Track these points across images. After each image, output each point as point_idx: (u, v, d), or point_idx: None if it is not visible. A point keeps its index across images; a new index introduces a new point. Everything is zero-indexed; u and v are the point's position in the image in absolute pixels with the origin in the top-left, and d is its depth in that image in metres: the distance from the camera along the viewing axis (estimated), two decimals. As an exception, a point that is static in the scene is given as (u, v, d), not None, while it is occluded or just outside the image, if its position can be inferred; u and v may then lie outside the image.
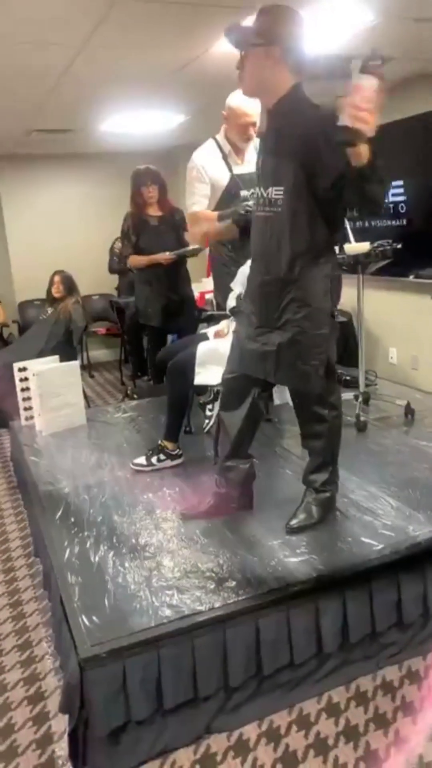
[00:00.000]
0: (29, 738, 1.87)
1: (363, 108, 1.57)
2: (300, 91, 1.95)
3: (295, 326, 2.03)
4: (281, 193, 1.95)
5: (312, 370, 2.08)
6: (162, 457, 2.85)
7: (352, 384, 3.85)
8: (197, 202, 2.90)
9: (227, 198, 2.86)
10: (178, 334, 4.31)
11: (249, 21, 1.99)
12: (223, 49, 2.93)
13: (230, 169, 2.89)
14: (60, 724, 1.89)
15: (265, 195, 2.00)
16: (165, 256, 3.90)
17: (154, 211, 4.06)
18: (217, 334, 2.95)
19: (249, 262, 2.85)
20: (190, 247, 3.98)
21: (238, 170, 2.90)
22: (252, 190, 2.06)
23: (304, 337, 2.03)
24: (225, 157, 2.89)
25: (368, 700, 1.94)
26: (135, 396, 4.35)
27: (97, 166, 6.31)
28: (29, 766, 1.77)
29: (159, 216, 4.06)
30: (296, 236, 1.96)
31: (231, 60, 2.40)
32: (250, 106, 2.68)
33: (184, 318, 4.15)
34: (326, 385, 2.16)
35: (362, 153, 1.66)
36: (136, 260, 4.07)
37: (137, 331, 5.03)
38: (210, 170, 2.86)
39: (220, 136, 2.93)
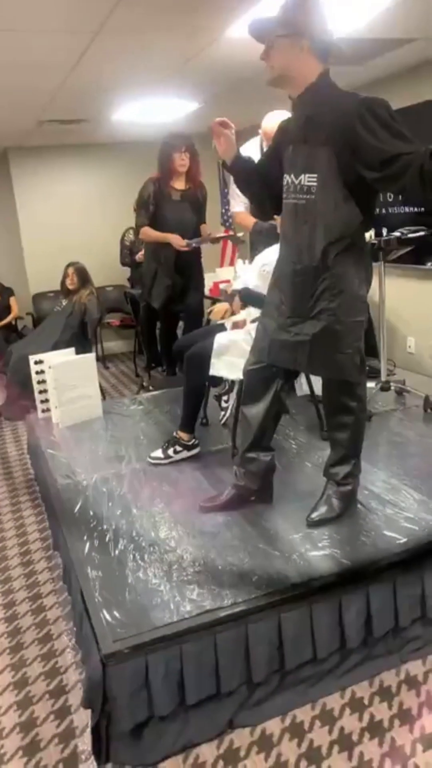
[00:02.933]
0: (51, 732, 1.87)
1: None
2: (328, 78, 1.94)
3: (331, 315, 2.00)
4: (315, 180, 1.92)
5: (347, 358, 2.06)
6: (178, 448, 2.83)
7: (372, 374, 3.79)
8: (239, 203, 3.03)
9: None
10: (183, 317, 4.20)
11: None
12: (236, 36, 2.88)
13: None
14: (82, 718, 1.89)
15: (296, 182, 1.98)
16: (180, 242, 3.69)
17: (179, 184, 3.79)
18: (235, 325, 2.91)
19: (267, 251, 2.84)
20: (205, 237, 3.89)
21: None
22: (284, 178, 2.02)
23: (339, 325, 2.00)
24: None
25: (392, 696, 1.92)
26: (150, 388, 4.32)
27: (109, 156, 6.26)
28: (52, 761, 1.77)
29: (183, 190, 3.80)
30: (330, 223, 1.93)
31: (244, 46, 2.36)
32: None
33: (190, 301, 3.99)
34: (358, 376, 2.13)
35: None
36: (148, 233, 3.81)
37: (151, 321, 4.94)
38: None
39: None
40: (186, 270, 3.96)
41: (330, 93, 1.93)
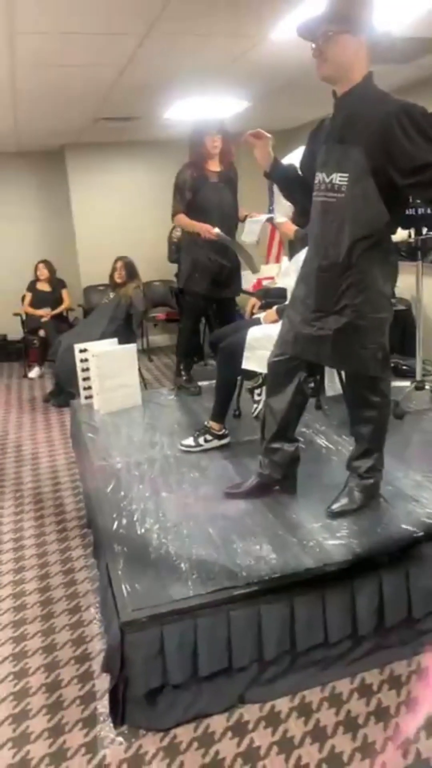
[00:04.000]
0: (74, 694, 1.99)
1: None
2: (371, 79, 1.97)
3: (354, 311, 2.04)
4: (346, 179, 1.97)
5: (370, 354, 2.10)
6: (208, 437, 2.92)
7: (409, 374, 3.80)
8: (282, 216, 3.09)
9: None
10: (217, 306, 4.09)
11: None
12: (285, 35, 2.94)
13: None
14: (103, 684, 2.00)
15: (327, 180, 2.02)
16: (210, 232, 3.63)
17: (214, 166, 3.79)
18: (268, 317, 2.97)
19: (304, 251, 2.89)
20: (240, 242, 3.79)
21: None
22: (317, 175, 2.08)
23: (363, 321, 2.05)
24: None
25: (402, 685, 1.96)
26: (192, 388, 3.99)
27: (160, 154, 6.40)
28: (73, 719, 1.89)
29: (218, 171, 3.81)
30: (358, 222, 1.98)
31: (293, 45, 2.41)
32: None
33: (231, 288, 3.92)
34: (380, 371, 2.17)
35: None
36: (183, 220, 3.79)
37: (197, 315, 4.47)
38: None
39: None
40: (226, 254, 3.87)
41: (372, 94, 1.96)
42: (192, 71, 3.63)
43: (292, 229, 3.49)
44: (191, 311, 4.15)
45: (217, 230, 3.64)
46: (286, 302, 2.82)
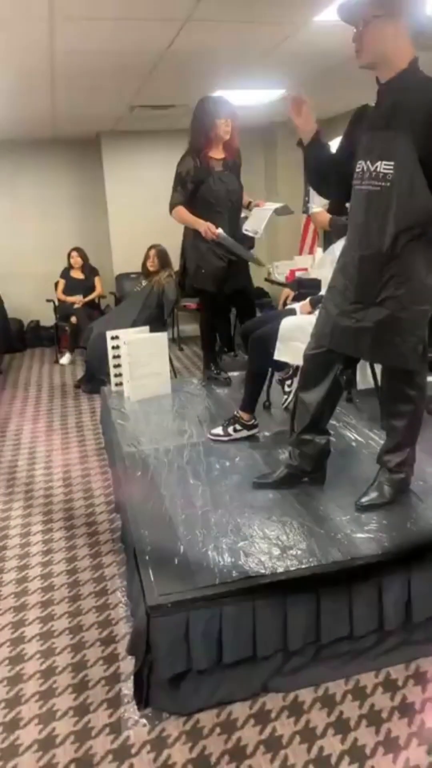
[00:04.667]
0: (99, 675, 2.02)
1: None
2: (417, 65, 1.93)
3: (396, 302, 2.01)
4: (391, 167, 1.93)
5: (410, 347, 2.06)
6: (238, 427, 2.92)
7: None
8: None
9: None
10: (230, 299, 3.88)
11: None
12: (323, 22, 2.90)
13: None
14: (128, 666, 2.03)
15: (371, 169, 1.98)
16: (212, 231, 3.42)
17: (217, 153, 3.54)
18: (303, 308, 2.95)
19: (340, 241, 2.85)
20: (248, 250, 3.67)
21: None
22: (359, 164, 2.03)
23: (404, 313, 2.01)
24: None
25: (427, 681, 1.94)
26: (223, 379, 3.89)
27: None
28: (97, 700, 1.92)
29: (222, 159, 3.55)
30: (402, 211, 1.94)
31: (331, 33, 2.36)
32: None
33: (239, 280, 3.70)
34: (419, 365, 2.13)
35: None
36: (182, 214, 3.52)
37: (213, 310, 4.03)
38: None
39: None
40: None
41: (418, 80, 1.92)
42: (231, 59, 3.60)
43: (327, 218, 3.44)
44: (206, 307, 3.95)
45: (220, 231, 3.46)
46: (321, 293, 2.80)
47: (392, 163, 1.92)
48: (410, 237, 1.96)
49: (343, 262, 2.18)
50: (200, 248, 3.60)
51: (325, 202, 3.23)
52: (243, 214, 3.85)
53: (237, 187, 3.64)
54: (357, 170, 2.05)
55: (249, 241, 4.02)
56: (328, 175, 2.24)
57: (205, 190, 3.51)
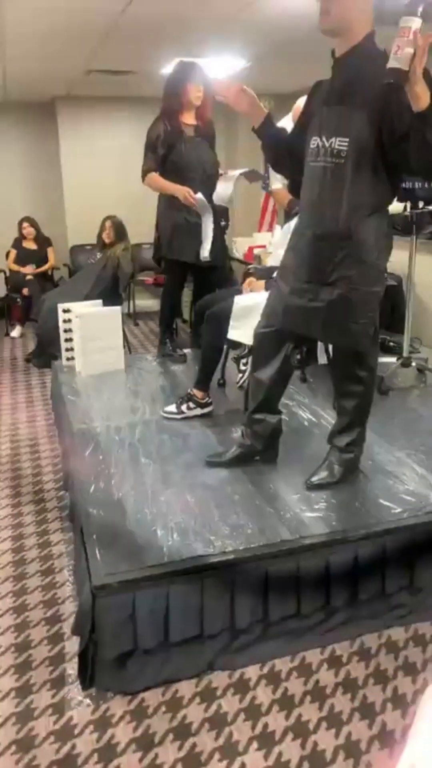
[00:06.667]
0: (43, 655, 1.98)
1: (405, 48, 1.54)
2: (373, 39, 1.90)
3: (348, 283, 1.99)
4: (346, 144, 1.89)
5: (361, 328, 2.06)
6: (191, 405, 2.89)
7: (396, 350, 3.77)
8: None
9: None
10: (202, 273, 3.71)
11: None
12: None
13: None
14: (73, 646, 1.99)
15: (326, 145, 1.94)
16: (190, 196, 3.30)
17: (189, 119, 3.45)
18: (249, 284, 2.90)
19: (295, 219, 2.82)
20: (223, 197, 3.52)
21: None
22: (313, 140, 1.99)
23: (356, 294, 2.00)
24: None
25: (371, 657, 1.97)
26: (177, 356, 3.84)
27: (155, 111, 6.20)
28: (40, 680, 1.88)
29: (195, 125, 3.46)
30: (357, 189, 1.91)
31: (294, 5, 2.28)
32: None
33: (213, 254, 3.54)
34: (370, 347, 2.13)
35: (420, 96, 1.62)
36: (156, 181, 3.42)
37: (180, 283, 3.98)
38: None
39: None
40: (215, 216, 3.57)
41: (374, 56, 1.88)
42: (190, 26, 3.48)
43: (287, 197, 3.40)
44: (173, 280, 3.84)
45: (200, 195, 3.35)
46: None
47: (347, 139, 1.89)
48: (364, 216, 1.94)
49: (295, 241, 2.15)
50: (174, 217, 3.49)
51: (285, 180, 3.18)
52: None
53: (210, 157, 3.54)
54: (311, 146, 2.01)
55: (223, 213, 3.94)
56: (285, 155, 2.20)
57: (176, 155, 3.41)
